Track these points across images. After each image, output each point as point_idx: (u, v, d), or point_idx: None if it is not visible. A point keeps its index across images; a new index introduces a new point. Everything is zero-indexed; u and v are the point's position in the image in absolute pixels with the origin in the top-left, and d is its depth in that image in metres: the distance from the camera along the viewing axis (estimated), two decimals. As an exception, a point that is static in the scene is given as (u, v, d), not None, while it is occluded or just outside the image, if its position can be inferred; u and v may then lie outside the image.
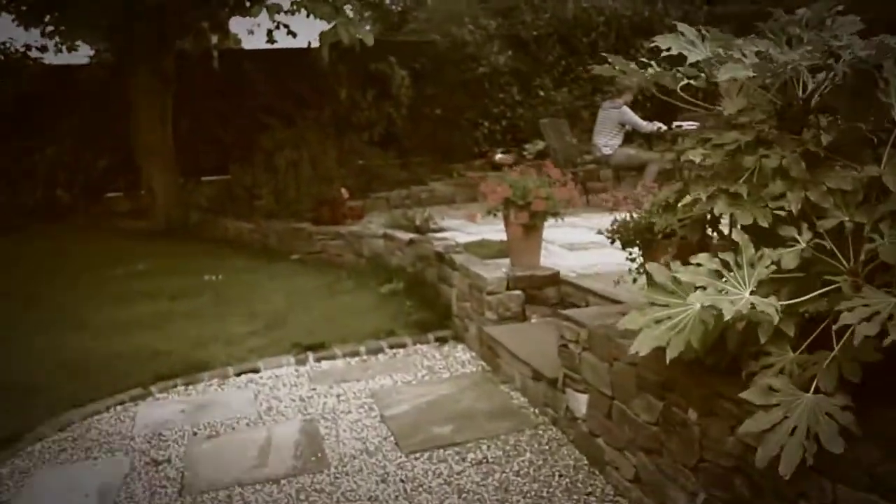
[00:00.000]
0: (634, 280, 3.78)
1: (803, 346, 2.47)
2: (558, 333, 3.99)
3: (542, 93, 11.98)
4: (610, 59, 3.31)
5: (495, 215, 5.62)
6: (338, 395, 4.90)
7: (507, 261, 5.85)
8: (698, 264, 2.69)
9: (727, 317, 2.41)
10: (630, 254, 3.97)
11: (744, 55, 2.90)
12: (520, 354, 4.70)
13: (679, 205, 3.11)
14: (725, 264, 2.63)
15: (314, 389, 5.03)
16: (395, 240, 7.44)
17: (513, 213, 5.43)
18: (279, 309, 6.63)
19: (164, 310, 6.71)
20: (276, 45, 10.94)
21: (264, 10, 7.95)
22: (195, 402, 4.94)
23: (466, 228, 8.10)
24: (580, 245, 6.56)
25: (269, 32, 10.24)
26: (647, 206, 3.91)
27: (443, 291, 6.29)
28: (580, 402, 3.80)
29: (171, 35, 10.04)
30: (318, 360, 5.59)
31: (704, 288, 2.60)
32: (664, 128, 8.93)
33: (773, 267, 2.56)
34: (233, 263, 8.36)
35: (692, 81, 3.19)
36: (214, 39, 11.45)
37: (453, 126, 11.59)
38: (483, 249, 6.45)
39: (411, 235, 7.32)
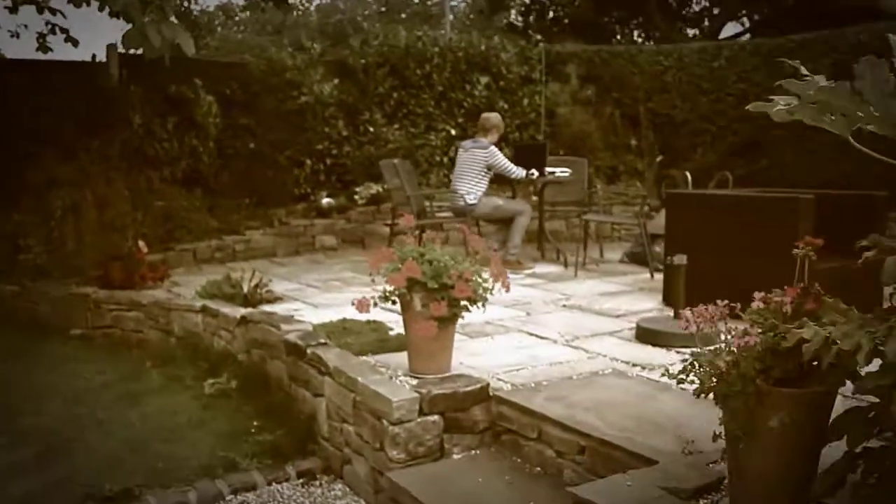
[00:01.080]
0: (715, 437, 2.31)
1: None
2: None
3: (371, 129, 10.38)
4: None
5: (393, 302, 3.93)
6: None
7: (397, 359, 4.20)
8: None
9: None
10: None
11: None
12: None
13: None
14: None
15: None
16: (220, 316, 5.54)
17: (419, 300, 3.77)
18: (57, 425, 4.56)
19: None
20: (50, 56, 8.67)
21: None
22: None
23: (311, 297, 6.33)
24: (475, 328, 5.00)
25: (41, 37, 7.98)
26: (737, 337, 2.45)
27: (300, 396, 4.50)
28: None
29: None
30: (123, 525, 3.66)
31: None
32: (536, 174, 7.60)
33: None
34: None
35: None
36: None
37: (271, 164, 9.72)
38: (352, 337, 4.73)
39: (242, 311, 5.45)
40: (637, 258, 8.06)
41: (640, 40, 17.61)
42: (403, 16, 19.16)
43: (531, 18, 17.86)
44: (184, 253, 8.17)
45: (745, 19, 17.13)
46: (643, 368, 4.22)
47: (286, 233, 9.06)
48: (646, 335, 4.80)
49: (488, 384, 3.77)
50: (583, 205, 9.13)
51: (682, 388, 2.60)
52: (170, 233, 8.33)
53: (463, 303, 3.76)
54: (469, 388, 3.67)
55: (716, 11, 16.96)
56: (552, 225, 9.10)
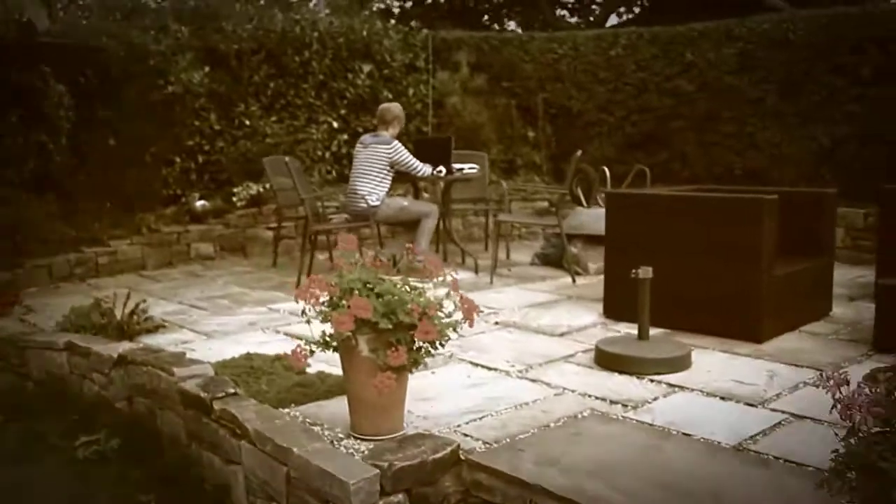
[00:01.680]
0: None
1: None
2: None
3: (248, 122, 9.33)
4: None
5: (334, 349, 3.07)
6: None
7: (329, 410, 3.37)
8: None
9: None
10: None
11: None
12: None
13: None
14: None
15: None
16: (91, 355, 4.49)
17: (366, 343, 2.93)
18: None
19: None
20: None
21: None
22: None
23: (199, 322, 5.37)
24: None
25: None
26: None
27: (205, 461, 3.57)
28: None
29: None
30: None
31: None
32: (444, 171, 6.83)
33: None
34: None
35: None
36: None
37: (135, 162, 8.52)
38: (264, 381, 3.84)
39: (119, 347, 4.42)
40: (549, 260, 7.44)
41: (518, 30, 17.11)
42: None
43: (408, 4, 17.06)
44: (37, 270, 6.93)
45: (624, 9, 16.88)
46: (625, 407, 3.54)
47: (157, 241, 7.92)
48: (609, 361, 4.13)
49: (458, 445, 2.98)
50: (485, 202, 8.45)
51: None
52: (18, 246, 7.06)
53: (425, 345, 2.95)
54: (438, 455, 2.87)
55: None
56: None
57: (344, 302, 2.90)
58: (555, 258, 7.35)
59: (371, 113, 10.34)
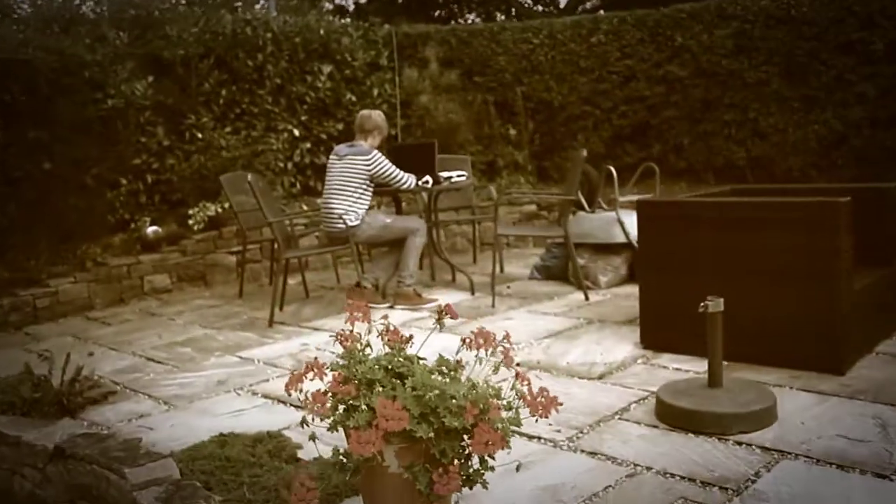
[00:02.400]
0: None
1: None
2: None
3: (200, 134, 8.33)
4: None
5: (355, 472, 2.16)
6: None
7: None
8: None
9: None
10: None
11: None
12: None
13: None
14: None
15: None
16: (21, 445, 3.52)
17: (395, 457, 2.03)
18: None
19: None
20: None
21: None
22: None
23: (157, 383, 4.43)
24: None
25: None
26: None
27: None
28: None
29: None
30: None
31: None
32: (431, 182, 5.93)
33: None
34: None
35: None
36: None
37: (75, 187, 7.48)
38: (247, 481, 2.93)
39: (55, 433, 3.46)
40: (551, 272, 6.59)
41: (478, 20, 16.21)
42: None
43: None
44: (-39, 321, 5.92)
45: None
46: (724, 490, 2.68)
47: (105, 276, 6.89)
48: (678, 418, 3.27)
49: None
50: (471, 210, 7.57)
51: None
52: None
53: (485, 459, 2.06)
54: None
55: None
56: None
57: (362, 404, 1.99)
58: (557, 270, 6.50)
59: (334, 117, 9.42)
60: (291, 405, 3.82)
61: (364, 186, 5.72)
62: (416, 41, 9.92)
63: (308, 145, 9.18)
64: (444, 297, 6.14)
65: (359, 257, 6.32)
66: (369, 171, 5.68)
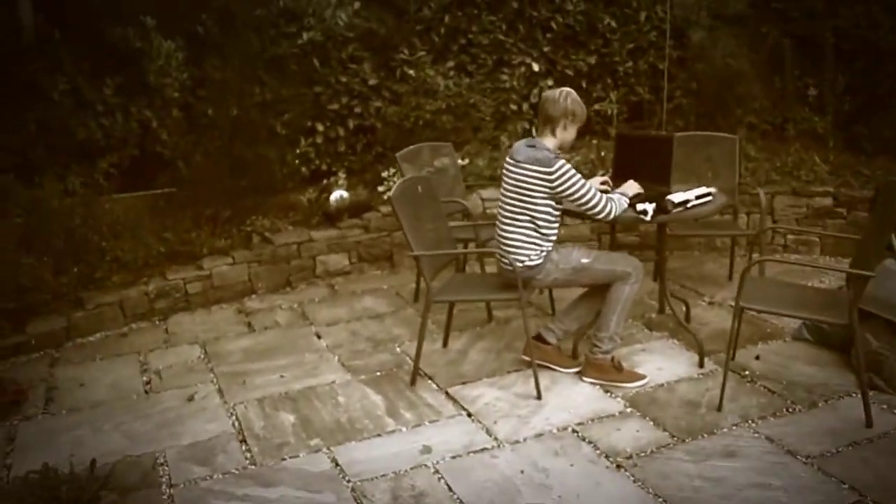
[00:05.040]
0: None
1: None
2: None
3: (412, 73, 6.86)
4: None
5: None
6: None
7: None
8: None
9: None
10: None
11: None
12: None
13: None
14: None
15: None
16: None
17: None
18: None
19: None
20: None
21: None
22: None
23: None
24: None
25: None
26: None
27: None
28: None
29: None
30: None
31: None
32: (650, 212, 4.00)
33: None
34: None
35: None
36: None
37: (259, 137, 6.42)
38: None
39: None
40: (827, 338, 4.45)
41: None
42: None
43: None
44: (104, 309, 5.11)
45: None
46: None
47: (270, 257, 5.81)
48: None
49: None
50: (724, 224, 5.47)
51: None
52: (85, 274, 5.26)
53: None
54: None
55: None
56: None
57: None
58: (838, 338, 4.35)
59: (585, 48, 7.44)
60: None
61: (547, 210, 3.94)
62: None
63: (550, 82, 7.38)
64: (661, 362, 4.31)
65: (551, 299, 4.64)
66: (552, 188, 3.87)
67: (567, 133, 4.02)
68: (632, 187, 4.16)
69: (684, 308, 4.89)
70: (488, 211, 6.14)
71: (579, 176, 3.88)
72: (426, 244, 4.15)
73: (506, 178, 4.07)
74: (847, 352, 4.28)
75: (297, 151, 6.63)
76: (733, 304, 3.90)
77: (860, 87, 6.70)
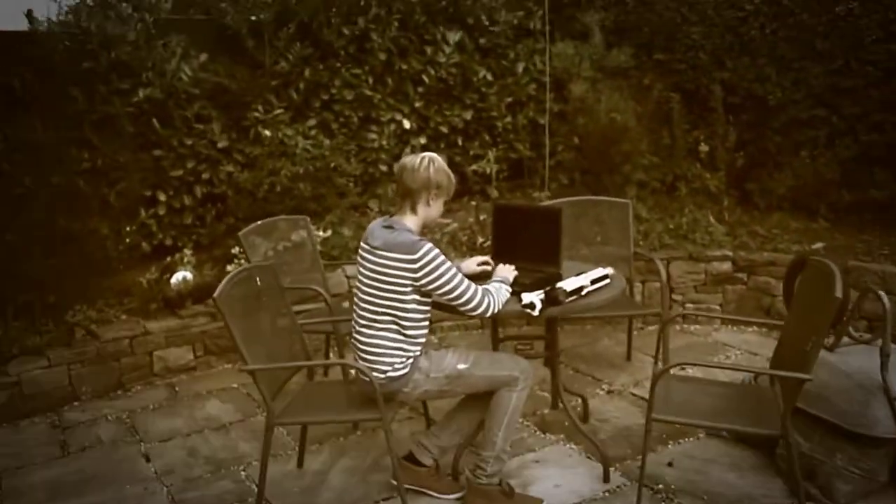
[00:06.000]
0: None
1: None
2: None
3: (268, 132, 6.07)
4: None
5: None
6: None
7: None
8: None
9: None
10: None
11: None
12: None
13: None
14: None
15: None
16: None
17: None
18: None
19: None
20: None
21: None
22: None
23: None
24: None
25: None
26: None
27: None
28: None
29: None
30: None
31: None
32: (539, 303, 3.29)
33: None
34: None
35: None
36: None
37: (90, 209, 5.47)
38: None
39: None
40: (747, 435, 3.83)
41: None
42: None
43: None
44: None
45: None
46: None
47: (95, 354, 4.84)
48: None
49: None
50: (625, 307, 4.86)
51: None
52: None
53: None
54: None
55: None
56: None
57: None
58: (758, 434, 3.76)
59: (460, 103, 6.84)
60: None
61: (413, 308, 3.20)
62: (576, -1, 7.09)
63: (423, 140, 6.75)
64: (558, 476, 3.61)
65: (425, 412, 3.89)
66: (416, 281, 3.14)
67: (431, 209, 3.30)
68: (511, 272, 3.47)
69: (580, 402, 4.22)
70: (355, 290, 5.35)
71: (449, 264, 3.16)
72: (265, 353, 3.33)
73: (361, 269, 3.32)
74: (769, 450, 3.69)
75: (133, 227, 5.69)
76: (634, 392, 3.25)
77: (749, 142, 6.32)
